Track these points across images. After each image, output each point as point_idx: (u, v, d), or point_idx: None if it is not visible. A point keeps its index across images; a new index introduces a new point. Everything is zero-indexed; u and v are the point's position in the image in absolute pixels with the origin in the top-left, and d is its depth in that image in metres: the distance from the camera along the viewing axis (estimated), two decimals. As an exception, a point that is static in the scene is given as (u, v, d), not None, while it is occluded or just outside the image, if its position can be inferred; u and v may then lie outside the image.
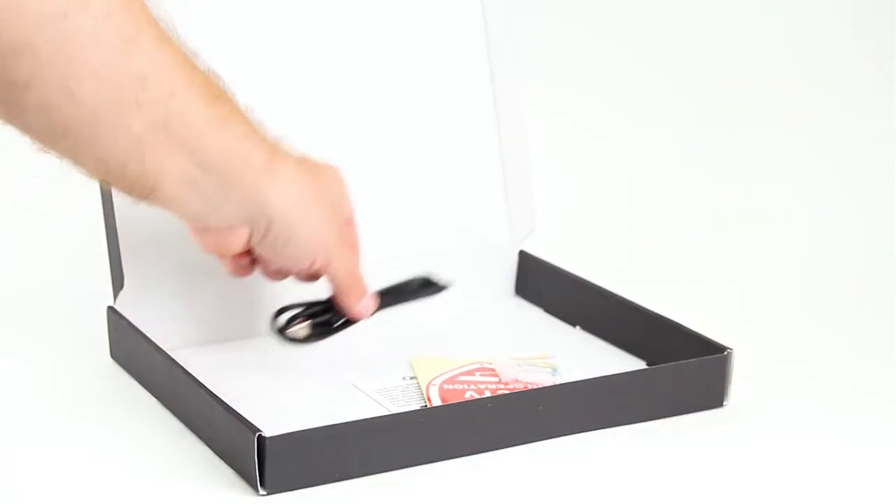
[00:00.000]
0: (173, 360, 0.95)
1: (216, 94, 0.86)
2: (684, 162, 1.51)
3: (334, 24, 1.10)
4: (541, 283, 1.15)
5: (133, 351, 1.01)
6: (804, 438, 0.94)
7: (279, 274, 0.96)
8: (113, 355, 1.05)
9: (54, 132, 0.81)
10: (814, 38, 1.61)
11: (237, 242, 0.91)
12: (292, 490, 0.86)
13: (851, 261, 1.28)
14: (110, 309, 1.04)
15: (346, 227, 0.95)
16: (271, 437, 0.84)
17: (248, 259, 0.95)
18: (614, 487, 0.88)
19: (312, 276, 0.97)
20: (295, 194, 0.89)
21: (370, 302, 0.99)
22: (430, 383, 0.98)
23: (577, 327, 1.11)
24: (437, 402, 0.96)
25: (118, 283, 1.03)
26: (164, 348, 0.97)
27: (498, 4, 1.15)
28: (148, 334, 0.99)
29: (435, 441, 0.89)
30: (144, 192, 0.86)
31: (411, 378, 1.00)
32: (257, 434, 0.84)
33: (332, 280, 0.96)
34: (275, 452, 0.84)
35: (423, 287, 1.04)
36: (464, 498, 0.86)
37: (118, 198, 1.01)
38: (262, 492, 0.85)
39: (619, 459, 0.91)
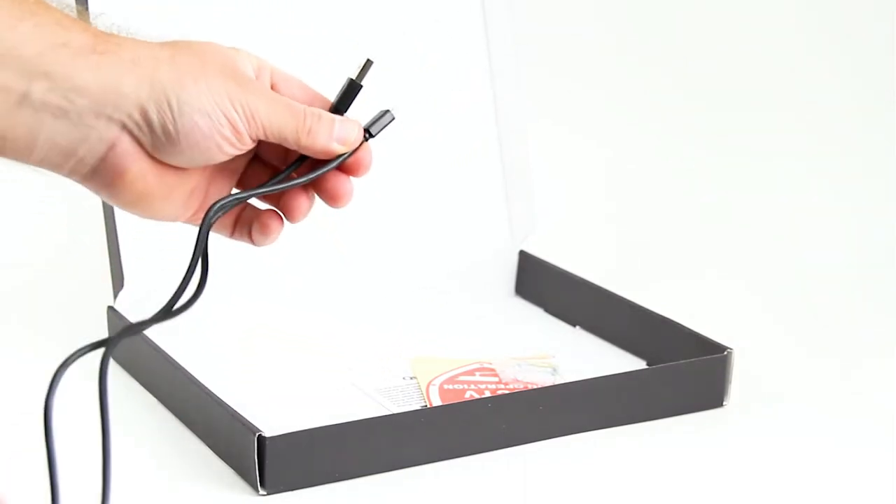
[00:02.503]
0: (173, 360, 0.95)
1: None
2: (684, 162, 1.51)
3: (335, 27, 1.10)
4: (541, 283, 1.15)
5: (133, 351, 1.01)
6: (804, 438, 0.94)
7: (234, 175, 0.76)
8: (113, 355, 1.04)
9: None
10: (812, 39, 1.61)
11: (132, 161, 0.70)
12: (292, 490, 0.86)
13: (851, 260, 1.28)
14: (110, 309, 1.04)
15: (251, 80, 0.73)
16: (271, 437, 0.84)
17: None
18: (614, 487, 0.88)
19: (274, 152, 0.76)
20: (151, 61, 0.69)
21: (347, 126, 0.76)
22: (430, 383, 0.98)
23: (577, 327, 1.11)
24: (437, 402, 0.96)
25: (118, 283, 1.03)
26: (164, 348, 0.97)
27: (499, 7, 1.15)
28: (148, 334, 0.99)
29: (435, 441, 0.89)
30: None
31: (411, 378, 1.00)
32: (257, 434, 0.84)
33: (280, 132, 0.73)
34: (275, 452, 0.84)
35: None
36: (464, 498, 0.86)
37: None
38: (262, 492, 0.85)
39: (619, 459, 0.91)
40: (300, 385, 1.00)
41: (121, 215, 1.02)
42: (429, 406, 0.95)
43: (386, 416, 0.89)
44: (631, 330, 1.06)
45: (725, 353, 0.97)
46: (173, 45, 0.71)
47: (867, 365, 1.06)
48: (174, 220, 0.75)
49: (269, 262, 1.08)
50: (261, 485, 0.85)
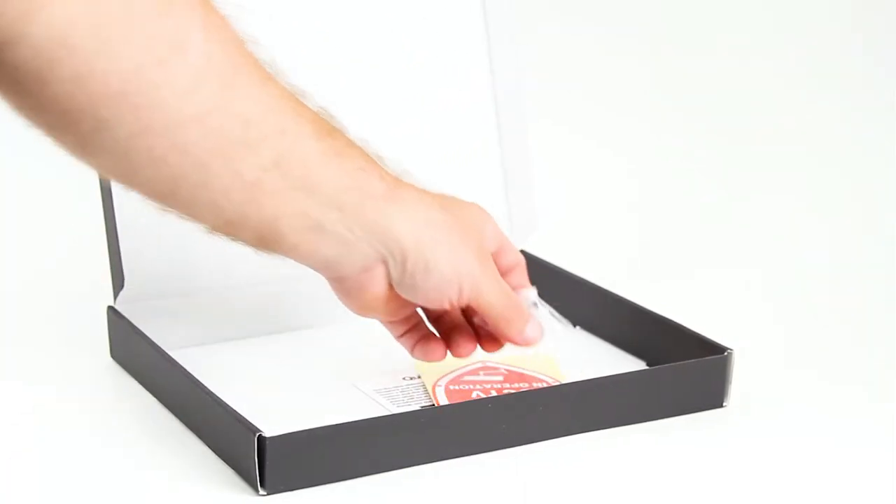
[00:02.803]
0: (173, 360, 0.95)
1: (327, 129, 0.83)
2: (684, 163, 1.51)
3: (334, 27, 1.10)
4: (541, 283, 1.15)
5: (133, 351, 1.01)
6: (804, 439, 0.94)
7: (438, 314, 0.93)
8: (113, 355, 1.05)
9: (165, 183, 0.79)
10: (811, 39, 1.61)
11: (376, 285, 0.86)
12: (292, 490, 0.86)
13: (851, 260, 1.28)
14: (110, 309, 1.04)
15: (490, 258, 0.90)
16: (271, 437, 0.84)
17: (412, 322, 0.93)
18: (614, 488, 0.88)
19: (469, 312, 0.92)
20: (424, 218, 0.85)
21: (537, 327, 0.92)
22: (435, 384, 0.98)
23: (577, 327, 1.11)
24: (444, 402, 0.96)
25: (118, 283, 1.03)
26: (164, 348, 0.97)
27: (499, 7, 1.15)
28: (148, 334, 0.99)
29: (435, 441, 0.89)
30: (270, 242, 0.83)
31: (412, 378, 1.00)
32: (257, 434, 0.84)
33: (488, 311, 0.89)
34: (275, 452, 0.84)
35: None
36: (464, 498, 0.86)
37: (118, 197, 1.01)
38: (262, 492, 0.85)
39: (619, 460, 0.91)
40: (300, 385, 1.00)
41: (121, 215, 1.02)
42: (436, 406, 0.95)
43: (386, 416, 0.89)
44: (631, 330, 1.06)
45: (726, 353, 0.97)
46: (444, 203, 0.87)
47: (867, 365, 1.06)
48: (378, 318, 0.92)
49: (270, 262, 1.08)
50: (261, 485, 0.85)
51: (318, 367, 1.02)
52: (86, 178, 1.02)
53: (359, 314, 0.90)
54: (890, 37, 1.60)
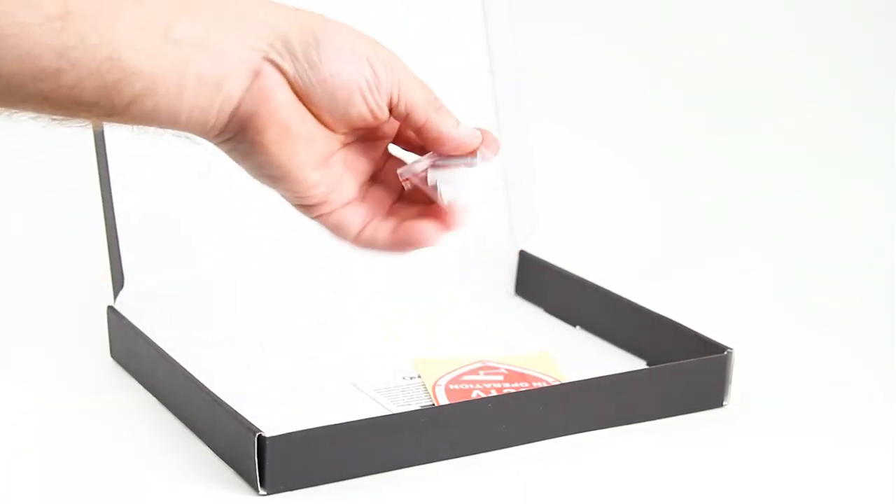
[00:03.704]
0: (173, 360, 0.95)
1: None
2: (685, 163, 1.51)
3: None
4: (541, 283, 1.15)
5: (133, 351, 1.01)
6: (804, 438, 0.94)
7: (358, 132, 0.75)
8: (113, 355, 1.05)
9: None
10: (813, 39, 1.61)
11: (279, 95, 0.71)
12: (292, 490, 0.86)
13: (852, 260, 1.28)
14: (110, 309, 1.04)
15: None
16: (271, 437, 0.84)
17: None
18: (614, 487, 0.88)
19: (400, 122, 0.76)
20: (290, 8, 0.72)
21: (466, 127, 0.77)
22: (435, 384, 0.98)
23: (577, 327, 1.11)
24: (444, 402, 0.96)
25: (118, 283, 1.03)
26: (164, 348, 0.97)
27: (499, 7, 1.15)
28: (148, 334, 0.99)
29: (435, 441, 0.89)
30: (123, 87, 0.67)
31: (412, 378, 1.00)
32: (257, 434, 0.84)
33: (413, 100, 0.74)
34: (275, 452, 0.84)
35: None
36: (464, 498, 0.86)
37: (118, 197, 1.01)
38: (262, 492, 0.85)
39: (619, 459, 0.91)
40: (300, 385, 1.00)
41: (121, 215, 1.02)
42: (436, 406, 0.95)
43: (386, 416, 0.89)
44: (631, 330, 1.06)
45: (725, 352, 0.97)
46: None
47: (867, 365, 1.06)
48: (313, 193, 0.74)
49: (270, 261, 1.08)
50: (261, 485, 0.85)
51: (318, 367, 1.02)
52: (86, 178, 1.03)
53: (288, 175, 0.73)
54: (892, 36, 1.60)
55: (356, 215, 0.75)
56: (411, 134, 0.76)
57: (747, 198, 1.43)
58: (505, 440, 0.91)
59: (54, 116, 0.69)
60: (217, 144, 0.73)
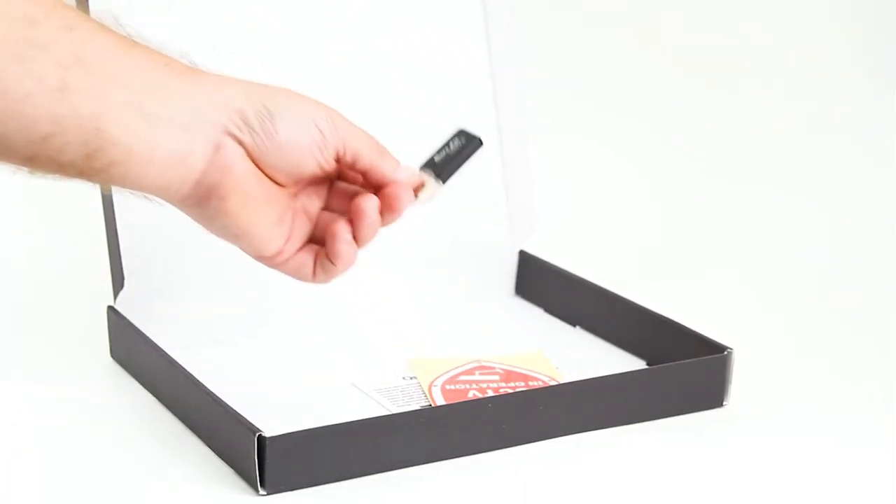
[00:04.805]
0: (173, 360, 0.95)
1: (119, 33, 0.77)
2: (684, 163, 1.51)
3: (335, 26, 1.10)
4: (541, 283, 1.15)
5: (133, 351, 1.01)
6: (804, 438, 0.94)
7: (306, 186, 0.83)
8: (113, 355, 1.05)
9: None
10: (813, 39, 1.61)
11: (237, 164, 0.78)
12: (292, 490, 0.86)
13: (852, 260, 1.28)
14: (110, 309, 1.04)
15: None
16: (271, 437, 0.84)
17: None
18: (614, 487, 0.88)
19: (349, 171, 0.83)
20: (248, 84, 0.79)
21: (407, 169, 0.84)
22: (431, 384, 0.98)
23: (577, 327, 1.11)
24: (440, 402, 0.96)
25: (118, 283, 1.03)
26: (164, 348, 0.97)
27: (499, 7, 1.15)
28: (148, 334, 0.99)
29: (435, 441, 0.89)
30: (101, 153, 0.75)
31: (412, 378, 1.00)
32: (257, 434, 0.84)
33: (357, 149, 0.82)
34: (275, 452, 0.84)
35: (464, 143, 0.89)
36: (464, 498, 0.86)
37: (118, 197, 1.01)
38: (262, 492, 0.85)
39: (619, 459, 0.91)
40: (300, 385, 1.00)
41: (121, 215, 1.02)
42: (436, 406, 0.95)
43: (386, 416, 0.89)
44: (631, 330, 1.06)
45: (725, 352, 0.97)
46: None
47: (867, 365, 1.06)
48: (271, 247, 0.82)
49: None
50: (261, 485, 0.85)
51: (318, 367, 1.02)
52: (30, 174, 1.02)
53: (247, 237, 0.81)
54: (891, 37, 1.60)
55: (309, 255, 0.83)
56: (352, 173, 0.84)
57: (747, 198, 1.43)
58: (505, 440, 0.91)
59: (32, 171, 0.77)
60: (182, 209, 0.81)
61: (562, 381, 0.99)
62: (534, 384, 0.98)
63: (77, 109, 0.74)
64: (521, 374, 1.00)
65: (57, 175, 0.77)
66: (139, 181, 0.77)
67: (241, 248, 0.82)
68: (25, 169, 0.76)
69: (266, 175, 0.80)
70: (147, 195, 0.80)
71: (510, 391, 0.96)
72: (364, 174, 0.83)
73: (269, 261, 0.82)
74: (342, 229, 0.82)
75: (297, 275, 0.83)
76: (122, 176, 0.77)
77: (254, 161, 0.79)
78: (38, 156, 0.75)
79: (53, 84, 0.73)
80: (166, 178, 0.77)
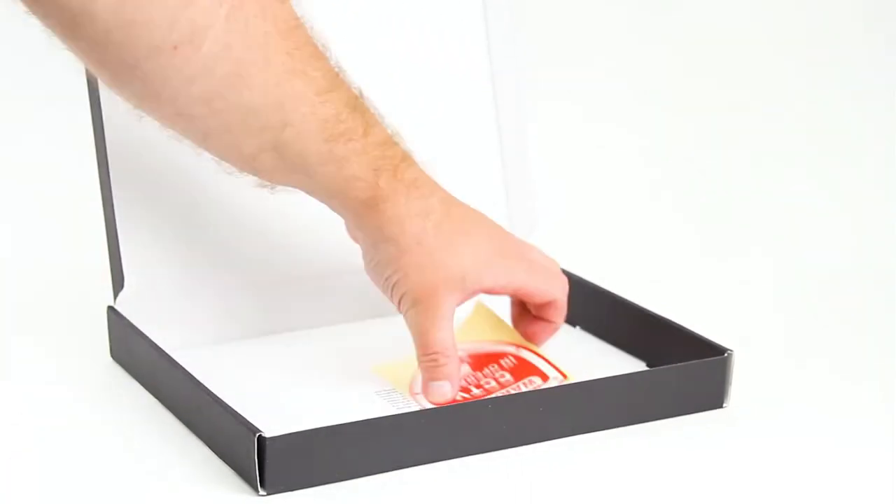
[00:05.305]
0: (173, 360, 0.95)
1: (341, 130, 0.88)
2: (684, 163, 1.51)
3: (334, 27, 1.10)
4: (541, 284, 1.15)
5: (133, 351, 1.01)
6: (804, 439, 0.94)
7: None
8: (113, 355, 1.05)
9: (173, 130, 0.88)
10: (813, 39, 1.61)
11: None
12: (292, 490, 0.86)
13: (852, 260, 1.28)
14: (110, 309, 1.04)
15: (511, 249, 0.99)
16: (271, 437, 0.84)
17: None
18: (614, 489, 0.88)
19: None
20: (408, 216, 0.93)
21: (441, 387, 0.96)
22: (412, 391, 0.97)
23: (577, 327, 1.11)
24: (428, 407, 0.95)
25: (118, 283, 1.03)
26: (164, 348, 0.97)
27: (499, 7, 1.15)
28: (148, 334, 0.99)
29: (435, 441, 0.89)
30: (352, 191, 0.91)
31: (388, 391, 0.98)
32: (257, 434, 0.84)
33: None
34: (275, 452, 0.84)
35: None
36: (464, 499, 0.86)
37: (118, 197, 1.01)
38: (262, 492, 0.85)
39: (619, 461, 0.91)
40: (300, 385, 1.00)
41: (121, 215, 1.02)
42: (436, 406, 0.95)
43: (386, 416, 0.89)
44: (631, 331, 1.06)
45: (726, 354, 0.97)
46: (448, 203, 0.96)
47: (867, 365, 1.06)
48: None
49: (270, 261, 1.08)
50: (261, 485, 0.85)
51: (319, 367, 1.02)
52: (87, 178, 1.03)
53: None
54: (892, 37, 1.60)
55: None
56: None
57: (747, 198, 1.43)
58: (505, 441, 0.91)
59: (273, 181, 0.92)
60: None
61: (518, 337, 1.01)
62: (505, 361, 0.98)
63: (258, 173, 0.91)
64: (486, 354, 1.00)
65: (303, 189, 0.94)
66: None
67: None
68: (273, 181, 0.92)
69: None
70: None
71: (492, 381, 0.96)
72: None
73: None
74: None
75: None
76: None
77: None
78: (319, 178, 0.91)
79: (248, 153, 0.88)
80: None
